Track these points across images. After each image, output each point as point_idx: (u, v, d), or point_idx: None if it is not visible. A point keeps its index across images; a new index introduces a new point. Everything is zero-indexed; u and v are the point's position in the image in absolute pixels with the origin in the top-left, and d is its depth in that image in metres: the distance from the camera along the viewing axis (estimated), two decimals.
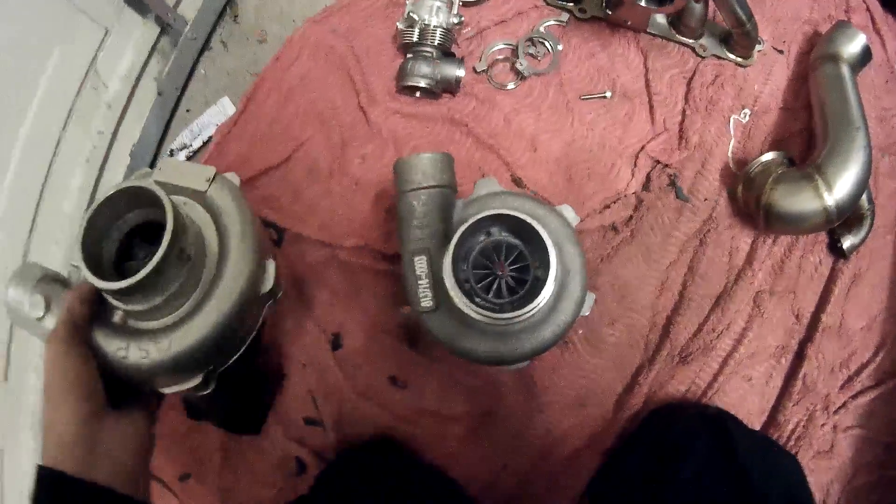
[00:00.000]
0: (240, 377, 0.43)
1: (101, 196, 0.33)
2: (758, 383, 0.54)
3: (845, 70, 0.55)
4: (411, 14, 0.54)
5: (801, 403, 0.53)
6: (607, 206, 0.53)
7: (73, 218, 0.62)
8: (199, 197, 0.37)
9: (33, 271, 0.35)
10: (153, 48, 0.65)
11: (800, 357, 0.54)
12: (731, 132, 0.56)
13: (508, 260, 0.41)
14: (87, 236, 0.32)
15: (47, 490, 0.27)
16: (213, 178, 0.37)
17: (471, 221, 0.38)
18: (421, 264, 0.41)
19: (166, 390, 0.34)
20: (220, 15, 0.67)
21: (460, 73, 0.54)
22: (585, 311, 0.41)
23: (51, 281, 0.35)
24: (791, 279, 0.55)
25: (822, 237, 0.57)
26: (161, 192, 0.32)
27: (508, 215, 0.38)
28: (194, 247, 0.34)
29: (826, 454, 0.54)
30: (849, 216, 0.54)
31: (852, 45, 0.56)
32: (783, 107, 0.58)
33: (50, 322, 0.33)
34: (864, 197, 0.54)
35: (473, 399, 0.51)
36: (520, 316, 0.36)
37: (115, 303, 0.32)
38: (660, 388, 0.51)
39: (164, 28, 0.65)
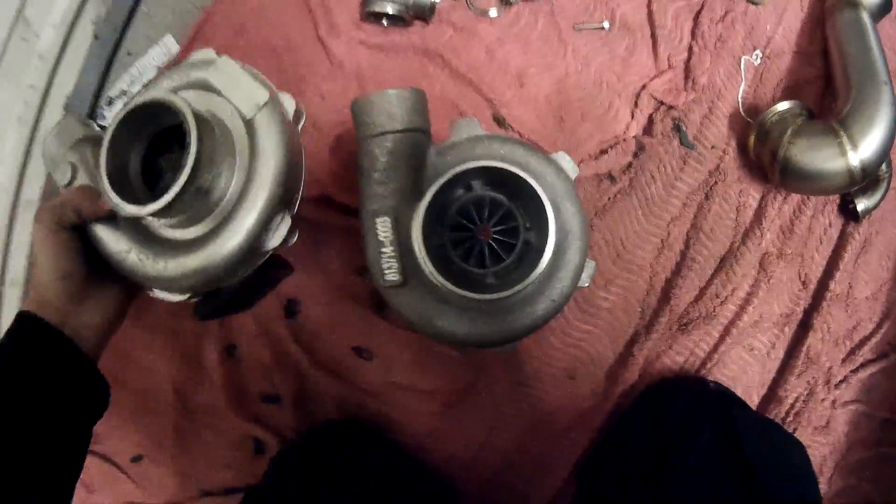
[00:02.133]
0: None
1: (124, 110, 0.32)
2: (759, 354, 0.50)
3: (866, 17, 0.50)
4: None
5: (803, 377, 0.50)
6: (604, 152, 0.47)
7: (7, 187, 0.54)
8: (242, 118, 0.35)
9: (72, 130, 0.36)
10: None
11: (804, 327, 0.50)
12: (743, 74, 0.50)
13: (493, 220, 0.34)
14: (112, 153, 0.32)
15: (24, 331, 0.31)
16: (264, 105, 0.34)
17: (448, 176, 0.30)
18: (385, 228, 0.34)
19: (155, 294, 0.36)
20: None
21: None
22: (585, 282, 0.35)
23: (86, 143, 0.36)
24: (800, 241, 0.50)
25: (834, 197, 0.52)
26: (191, 125, 0.30)
27: (498, 168, 0.31)
28: (214, 181, 0.34)
29: (822, 430, 0.50)
30: None
31: None
32: (797, 51, 0.53)
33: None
34: None
35: (450, 371, 0.45)
36: (511, 293, 0.30)
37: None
38: (656, 359, 0.46)
39: None
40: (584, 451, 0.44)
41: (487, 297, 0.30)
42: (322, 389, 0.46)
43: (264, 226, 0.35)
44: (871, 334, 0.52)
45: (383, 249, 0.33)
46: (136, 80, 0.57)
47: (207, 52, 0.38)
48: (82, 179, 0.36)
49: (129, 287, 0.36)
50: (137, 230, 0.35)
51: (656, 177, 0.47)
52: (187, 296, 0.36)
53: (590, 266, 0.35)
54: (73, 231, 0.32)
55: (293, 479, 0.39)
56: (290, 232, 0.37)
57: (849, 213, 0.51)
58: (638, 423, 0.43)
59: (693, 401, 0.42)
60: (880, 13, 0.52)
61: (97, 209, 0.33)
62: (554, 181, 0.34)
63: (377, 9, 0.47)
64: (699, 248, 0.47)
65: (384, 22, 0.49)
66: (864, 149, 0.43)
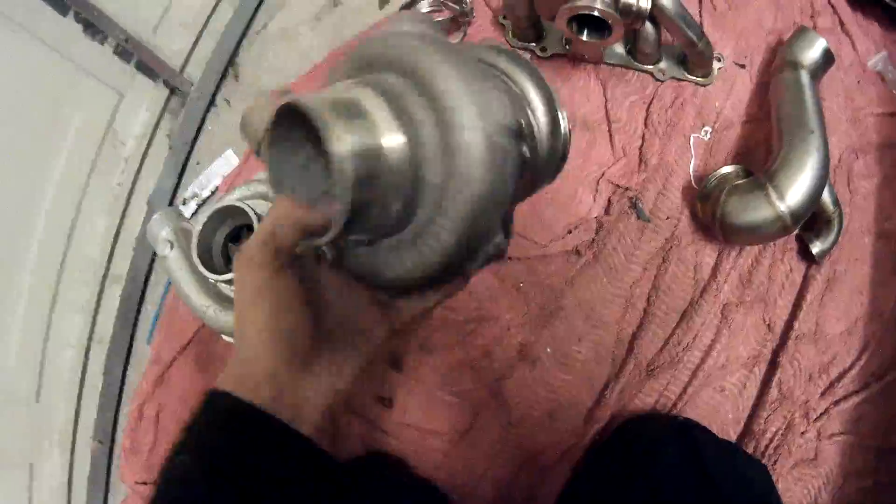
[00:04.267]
0: None
1: (210, 209, 0.45)
2: (731, 393, 0.55)
3: (804, 76, 0.55)
4: None
5: (778, 412, 0.54)
6: (569, 232, 0.56)
7: (99, 262, 0.69)
8: None
9: (173, 217, 0.49)
10: (164, 108, 0.72)
11: (773, 365, 0.55)
12: (692, 151, 0.58)
13: None
14: (201, 242, 0.45)
15: (226, 421, 0.22)
16: None
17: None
18: None
19: (225, 339, 0.49)
20: (223, 75, 0.75)
21: None
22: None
23: (180, 229, 0.49)
24: (760, 289, 0.57)
25: (792, 244, 0.58)
26: (255, 224, 0.42)
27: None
28: None
29: (811, 462, 0.54)
30: (816, 220, 0.55)
31: (812, 51, 0.56)
32: (746, 119, 0.60)
33: (174, 257, 0.48)
34: (828, 199, 0.55)
35: (452, 415, 0.55)
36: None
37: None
38: (629, 401, 0.54)
39: (173, 90, 0.72)
40: (565, 482, 0.51)
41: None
42: (353, 431, 0.55)
43: None
44: (851, 367, 0.55)
45: None
46: (205, 186, 0.72)
47: (260, 176, 0.53)
48: (178, 252, 0.49)
49: (365, 347, 0.27)
50: (216, 292, 0.48)
51: (617, 248, 0.56)
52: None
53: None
54: (294, 269, 0.24)
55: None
56: None
57: (809, 256, 0.56)
58: (609, 454, 0.49)
59: (659, 431, 0.47)
60: (822, 69, 0.57)
61: (316, 217, 0.23)
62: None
63: None
64: (659, 304, 0.55)
65: None
66: (791, 196, 0.49)
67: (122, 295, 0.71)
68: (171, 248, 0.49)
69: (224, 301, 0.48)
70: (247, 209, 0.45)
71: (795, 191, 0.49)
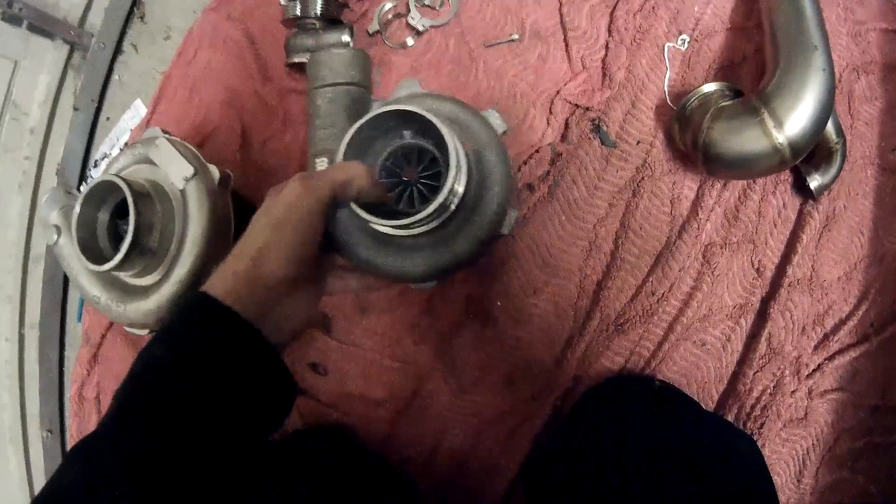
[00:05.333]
0: None
1: (84, 190, 0.40)
2: (713, 348, 0.48)
3: None
4: None
5: (766, 369, 0.47)
6: (523, 164, 0.48)
7: (18, 244, 0.64)
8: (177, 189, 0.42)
9: (58, 199, 0.45)
10: (65, 67, 0.65)
11: (763, 316, 0.48)
12: (667, 63, 0.49)
13: (421, 167, 0.37)
14: (81, 227, 0.40)
15: (216, 324, 0.25)
16: (192, 177, 0.41)
17: (366, 118, 0.33)
18: (322, 166, 0.40)
19: (126, 329, 0.43)
20: (128, 18, 0.66)
21: (346, 39, 0.49)
22: (506, 230, 0.38)
23: (69, 209, 0.43)
24: (748, 228, 0.48)
25: (786, 175, 0.49)
26: (130, 203, 0.38)
27: (408, 112, 0.33)
28: (157, 241, 0.40)
29: (800, 422, 0.48)
30: (816, 152, 0.47)
31: None
32: (731, 28, 0.50)
33: (63, 244, 0.43)
34: (831, 128, 0.46)
35: (396, 381, 0.48)
36: (412, 224, 0.32)
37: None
38: (595, 360, 0.46)
39: (73, 45, 0.64)
40: (527, 452, 0.45)
41: (394, 223, 0.32)
42: None
43: (198, 276, 0.40)
44: (848, 317, 0.49)
45: None
46: (115, 144, 0.64)
47: (154, 131, 0.45)
48: (66, 239, 0.43)
49: (320, 290, 0.33)
50: (110, 280, 0.42)
51: (577, 180, 0.47)
52: (148, 331, 0.43)
53: (511, 216, 0.38)
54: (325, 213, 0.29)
55: (273, 480, 0.41)
56: None
57: (805, 190, 0.48)
58: (581, 424, 0.43)
59: (636, 401, 0.42)
60: None
61: (377, 190, 0.32)
62: (479, 132, 0.38)
63: (295, 60, 0.50)
64: (628, 247, 0.47)
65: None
66: (792, 125, 0.40)
67: (45, 276, 0.65)
68: (58, 235, 0.43)
69: (118, 289, 0.42)
70: (120, 183, 0.38)
71: (797, 119, 0.40)
